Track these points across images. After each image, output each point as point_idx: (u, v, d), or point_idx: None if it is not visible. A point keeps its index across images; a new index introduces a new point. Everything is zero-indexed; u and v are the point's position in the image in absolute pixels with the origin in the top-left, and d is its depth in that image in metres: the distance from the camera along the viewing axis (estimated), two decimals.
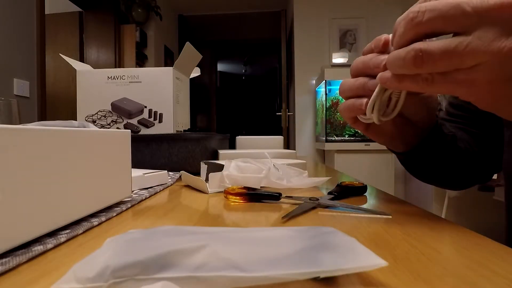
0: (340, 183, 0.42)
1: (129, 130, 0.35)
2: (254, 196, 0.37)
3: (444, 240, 0.24)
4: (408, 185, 2.68)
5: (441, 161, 0.44)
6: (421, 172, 0.49)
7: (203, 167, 0.52)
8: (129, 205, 0.34)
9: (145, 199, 0.39)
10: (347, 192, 0.39)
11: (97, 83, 0.74)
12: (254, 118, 6.98)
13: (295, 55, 3.07)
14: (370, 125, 0.36)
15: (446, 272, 0.18)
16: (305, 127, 3.09)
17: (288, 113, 3.38)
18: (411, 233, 0.26)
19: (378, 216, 0.30)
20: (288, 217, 0.29)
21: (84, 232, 0.25)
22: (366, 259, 0.16)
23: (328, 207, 0.33)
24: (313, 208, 0.33)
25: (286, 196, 0.36)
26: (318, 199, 0.35)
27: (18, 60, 1.95)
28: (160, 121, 0.73)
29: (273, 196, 0.36)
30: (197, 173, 0.62)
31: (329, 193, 0.38)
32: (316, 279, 0.16)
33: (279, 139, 0.86)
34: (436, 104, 0.39)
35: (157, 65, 3.35)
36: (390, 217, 0.30)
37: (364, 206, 0.35)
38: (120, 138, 0.32)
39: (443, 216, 1.53)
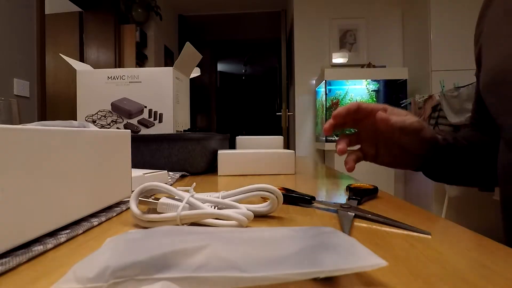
0: (350, 185, 0.42)
1: (129, 130, 0.35)
2: (286, 197, 0.35)
3: (444, 240, 0.24)
4: (408, 185, 2.67)
5: (459, 166, 0.50)
6: (445, 179, 0.53)
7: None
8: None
9: None
10: (365, 195, 0.38)
11: (97, 83, 0.74)
12: (254, 118, 6.98)
13: (295, 55, 3.07)
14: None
15: (446, 272, 0.18)
16: (305, 127, 3.09)
17: (288, 113, 3.37)
18: (411, 233, 0.26)
19: (416, 234, 0.26)
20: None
21: (84, 232, 0.25)
22: (366, 259, 0.16)
23: (367, 218, 0.30)
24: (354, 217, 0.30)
25: (317, 201, 0.35)
26: (350, 206, 0.33)
27: (18, 60, 1.95)
28: (160, 121, 0.73)
29: (305, 200, 0.35)
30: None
31: (351, 198, 0.37)
32: (316, 279, 0.16)
33: (279, 139, 0.86)
34: (429, 133, 0.45)
35: (157, 65, 3.35)
36: (430, 237, 0.26)
37: (401, 220, 0.31)
38: (120, 138, 0.32)
39: (443, 216, 1.53)
